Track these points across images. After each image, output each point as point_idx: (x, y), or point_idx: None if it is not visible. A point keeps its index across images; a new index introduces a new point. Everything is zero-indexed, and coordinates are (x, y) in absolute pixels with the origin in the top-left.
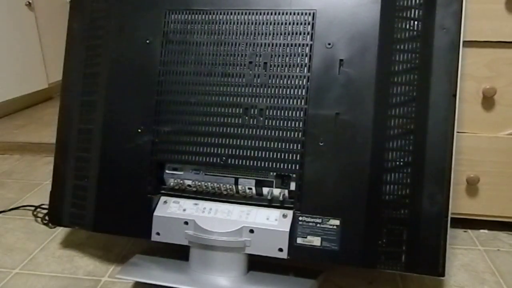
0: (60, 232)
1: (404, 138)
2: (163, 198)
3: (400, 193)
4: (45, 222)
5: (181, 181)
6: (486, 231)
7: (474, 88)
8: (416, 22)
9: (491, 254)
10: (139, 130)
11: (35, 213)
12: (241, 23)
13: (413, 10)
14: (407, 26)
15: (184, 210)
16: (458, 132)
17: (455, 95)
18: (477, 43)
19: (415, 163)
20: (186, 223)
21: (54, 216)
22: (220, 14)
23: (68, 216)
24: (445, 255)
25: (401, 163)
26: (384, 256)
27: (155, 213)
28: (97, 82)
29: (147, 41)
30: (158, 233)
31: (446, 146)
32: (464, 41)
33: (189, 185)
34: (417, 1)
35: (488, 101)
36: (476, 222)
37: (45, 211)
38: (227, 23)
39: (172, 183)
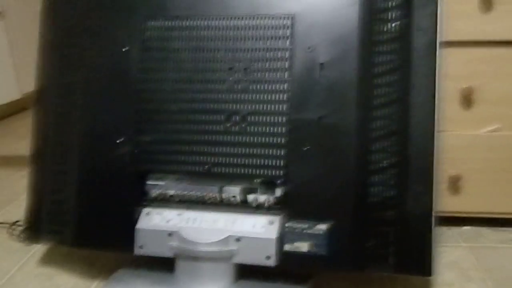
0: (39, 249)
1: (388, 139)
2: (145, 210)
3: (386, 195)
4: (22, 239)
5: (164, 191)
6: (469, 227)
7: (453, 88)
8: (394, 24)
9: (476, 251)
10: (119, 141)
11: (10, 230)
12: (220, 28)
13: (391, 12)
14: (386, 28)
15: (168, 221)
16: (439, 131)
17: (434, 96)
18: (454, 43)
19: (399, 164)
20: (170, 234)
21: (31, 233)
22: (199, 20)
23: (46, 233)
24: (432, 255)
25: (386, 165)
26: (373, 259)
27: (137, 226)
28: (72, 92)
29: (125, 49)
30: (141, 247)
31: (429, 146)
32: (442, 42)
33: (172, 195)
34: (395, 3)
35: (467, 99)
36: (460, 219)
37: (21, 228)
38: (206, 29)
39: (154, 194)
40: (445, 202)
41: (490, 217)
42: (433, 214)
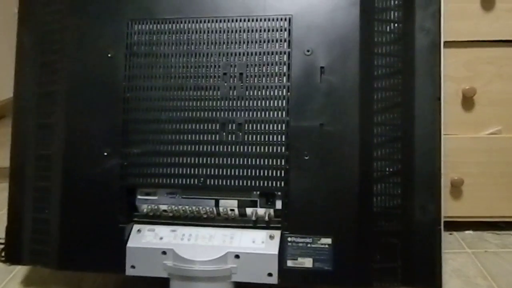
0: (20, 269)
1: (392, 146)
2: (136, 227)
3: (391, 205)
4: (2, 260)
5: (156, 207)
6: (471, 232)
7: (453, 89)
8: (396, 24)
9: (479, 257)
10: (106, 154)
11: None
12: (212, 31)
13: (392, 12)
14: (388, 29)
15: (161, 238)
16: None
17: (439, 98)
18: (454, 43)
19: (404, 172)
20: (164, 253)
21: (12, 254)
22: (189, 23)
23: (28, 254)
24: (441, 266)
25: (391, 173)
26: (380, 273)
27: (128, 244)
28: (54, 102)
29: (109, 55)
30: (133, 266)
31: (435, 151)
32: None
33: (164, 210)
34: (396, 2)
35: (467, 101)
36: (461, 224)
37: (1, 247)
38: (197, 32)
39: (145, 209)
40: (446, 207)
41: (491, 221)
42: (441, 223)
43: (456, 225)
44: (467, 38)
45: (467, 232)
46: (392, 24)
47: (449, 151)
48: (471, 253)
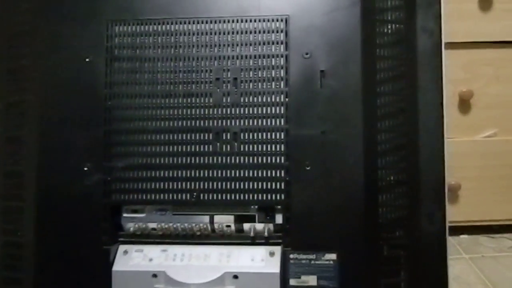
0: None
1: (397, 153)
2: (122, 247)
3: (397, 215)
4: None
5: (144, 225)
6: (466, 236)
7: (451, 92)
8: (398, 25)
9: (477, 262)
10: (86, 168)
11: None
12: (202, 33)
13: (393, 12)
14: (389, 30)
15: (151, 259)
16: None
17: (442, 103)
18: (452, 45)
19: (410, 180)
20: (154, 275)
21: None
22: (177, 24)
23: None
24: (447, 276)
25: (396, 182)
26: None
27: (114, 268)
28: (25, 112)
29: (87, 59)
30: None
31: (439, 157)
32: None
33: (153, 229)
34: (397, 2)
35: (464, 104)
36: (456, 228)
37: None
38: (185, 34)
39: (132, 228)
40: (448, 214)
41: (486, 225)
42: (447, 232)
43: (451, 230)
44: (465, 39)
45: (462, 236)
46: (394, 25)
47: (446, 155)
48: (468, 259)
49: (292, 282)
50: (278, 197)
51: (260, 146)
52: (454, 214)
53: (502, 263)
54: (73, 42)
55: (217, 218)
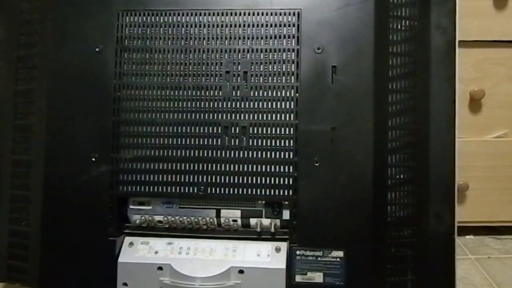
0: None
1: (407, 151)
2: (128, 239)
3: (406, 214)
4: None
5: (150, 217)
6: (472, 236)
7: (461, 91)
8: (412, 22)
9: (483, 263)
10: (93, 159)
11: None
12: (213, 25)
13: (407, 8)
14: (403, 26)
15: (156, 252)
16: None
17: (454, 101)
18: (464, 43)
19: (419, 178)
20: (160, 268)
21: None
22: (187, 15)
23: (5, 270)
24: (455, 276)
25: (406, 180)
26: (393, 286)
27: (119, 259)
28: (33, 101)
29: (97, 49)
30: (125, 284)
31: (450, 157)
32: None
33: (159, 221)
34: None
35: (475, 103)
36: (462, 229)
37: None
38: (196, 26)
39: (138, 220)
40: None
41: (492, 225)
42: (455, 232)
43: (457, 230)
44: (478, 38)
45: (467, 237)
46: (407, 21)
47: (456, 155)
48: (474, 260)
49: (298, 278)
50: (285, 193)
51: (269, 141)
52: (460, 214)
53: (508, 265)
54: (83, 31)
55: (224, 212)
